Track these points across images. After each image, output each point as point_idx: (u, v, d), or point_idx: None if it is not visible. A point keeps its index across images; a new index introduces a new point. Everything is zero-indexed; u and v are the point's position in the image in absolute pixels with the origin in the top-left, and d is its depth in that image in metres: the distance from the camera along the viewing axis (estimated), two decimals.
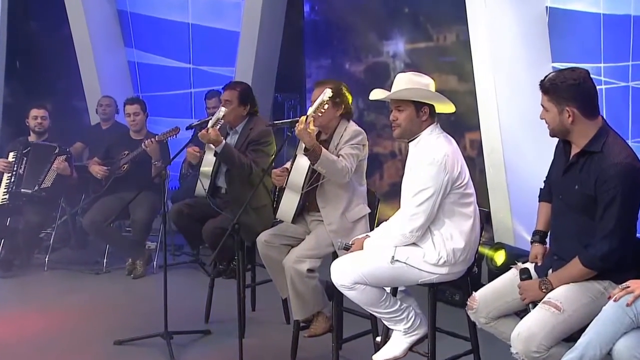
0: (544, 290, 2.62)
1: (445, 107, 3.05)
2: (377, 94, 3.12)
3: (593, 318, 2.43)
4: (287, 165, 3.74)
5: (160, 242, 5.57)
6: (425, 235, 2.98)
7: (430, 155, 2.92)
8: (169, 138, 5.09)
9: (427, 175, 2.90)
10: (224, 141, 4.09)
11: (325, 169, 3.35)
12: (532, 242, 2.94)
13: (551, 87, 2.63)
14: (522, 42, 4.52)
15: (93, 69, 7.13)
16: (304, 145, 3.35)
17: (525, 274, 2.74)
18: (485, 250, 4.25)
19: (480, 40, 4.55)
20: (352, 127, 3.58)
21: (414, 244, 3.00)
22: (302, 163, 3.52)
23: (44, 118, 5.70)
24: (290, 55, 6.91)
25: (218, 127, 4.04)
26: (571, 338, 2.53)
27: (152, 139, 5.13)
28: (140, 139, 5.40)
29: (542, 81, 2.68)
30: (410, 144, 3.07)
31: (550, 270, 2.75)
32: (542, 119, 2.72)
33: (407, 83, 3.02)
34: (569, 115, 2.62)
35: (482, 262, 4.29)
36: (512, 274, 2.86)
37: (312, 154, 3.30)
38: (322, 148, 3.34)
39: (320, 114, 3.32)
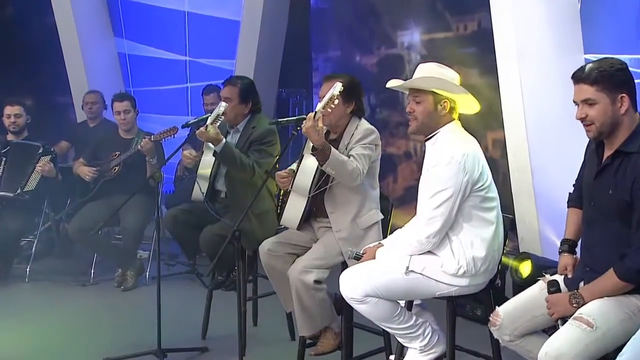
0: (574, 305, 2.60)
1: (468, 104, 3.06)
2: (394, 83, 3.15)
3: (630, 337, 2.41)
4: (293, 166, 3.75)
5: (153, 251, 5.58)
6: (443, 242, 2.99)
7: (448, 154, 2.93)
8: (166, 139, 5.10)
9: (445, 175, 2.91)
10: (224, 140, 4.11)
11: (335, 171, 3.36)
12: (560, 252, 2.93)
13: (601, 75, 2.57)
14: (551, 31, 4.51)
15: (79, 61, 7.16)
16: (311, 145, 3.37)
17: (553, 287, 2.72)
18: (510, 261, 4.24)
19: (504, 29, 4.55)
20: (364, 125, 3.59)
21: (430, 252, 3.01)
22: (309, 164, 3.54)
23: (18, 116, 5.71)
24: (296, 47, 6.93)
25: (218, 124, 4.05)
26: (605, 358, 2.51)
27: (149, 138, 5.13)
28: (131, 138, 5.42)
29: (583, 73, 2.61)
30: (427, 143, 3.08)
31: (582, 283, 2.73)
32: (580, 118, 2.64)
33: (430, 73, 3.04)
34: (621, 105, 2.58)
35: (506, 273, 4.29)
36: (539, 287, 2.84)
37: (321, 154, 3.32)
38: (332, 147, 3.35)
39: (329, 110, 3.33)
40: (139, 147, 5.15)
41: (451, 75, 3.05)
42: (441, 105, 3.02)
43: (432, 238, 2.95)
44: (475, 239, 2.97)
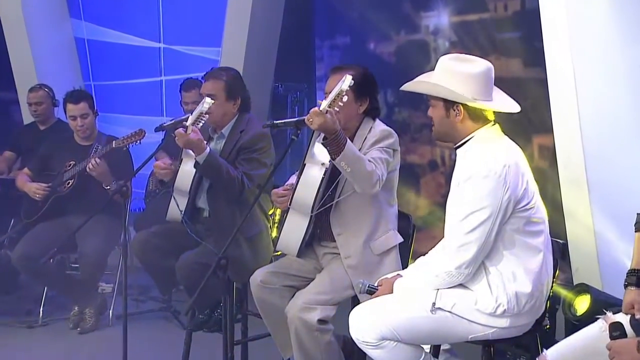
0: None
1: (502, 105, 3.08)
2: (409, 85, 3.19)
3: None
4: (293, 180, 3.78)
5: (118, 284, 5.60)
6: (478, 274, 3.01)
7: (485, 166, 2.95)
8: (131, 144, 5.11)
9: (481, 191, 2.93)
10: (207, 147, 4.14)
11: (351, 168, 3.35)
12: (626, 286, 2.94)
13: None
14: (614, 12, 4.49)
15: (27, 48, 7.18)
16: (315, 150, 3.39)
17: (617, 331, 2.73)
18: (563, 292, 4.25)
19: (554, 9, 4.56)
20: (379, 126, 3.64)
21: (462, 285, 3.04)
22: (312, 175, 3.57)
23: None
24: (296, 32, 6.96)
25: (200, 125, 4.08)
26: None
27: (96, 159, 5.11)
28: (90, 145, 5.44)
29: None
30: (459, 151, 3.12)
31: None
32: None
33: (440, 71, 3.08)
34: None
35: (557, 312, 4.28)
36: (599, 327, 2.86)
37: (335, 144, 3.31)
38: (347, 138, 3.36)
39: (337, 109, 3.33)
40: (88, 169, 5.12)
41: (465, 71, 3.03)
42: (454, 111, 3.05)
43: (465, 269, 2.98)
44: (518, 271, 2.99)
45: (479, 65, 3.06)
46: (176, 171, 4.38)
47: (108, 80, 7.37)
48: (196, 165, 4.15)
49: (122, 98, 7.22)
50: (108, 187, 5.16)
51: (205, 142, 4.14)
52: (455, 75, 3.04)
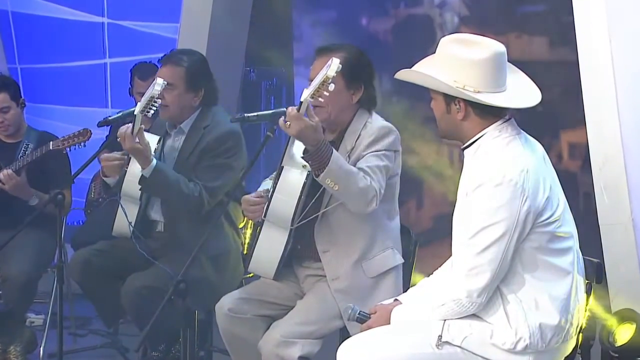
0: None
1: (515, 97, 3.09)
2: (403, 74, 3.21)
3: None
4: (267, 185, 3.80)
5: (51, 315, 5.59)
6: (494, 302, 3.03)
7: (497, 172, 2.96)
8: (74, 147, 5.10)
9: (493, 202, 2.95)
10: (154, 160, 4.12)
11: (339, 185, 3.36)
12: None
13: None
14: None
15: None
16: (295, 149, 3.40)
17: None
18: (603, 316, 4.28)
19: None
20: (377, 122, 3.66)
21: (474, 316, 3.06)
22: (292, 179, 3.59)
23: None
24: (269, 6, 6.96)
25: (151, 113, 4.07)
26: None
27: (7, 171, 5.09)
28: (17, 142, 5.42)
29: None
30: (466, 152, 3.14)
31: None
32: None
33: (440, 56, 3.10)
34: None
35: (592, 346, 4.30)
36: None
37: (316, 158, 3.33)
38: (333, 149, 3.37)
39: (321, 100, 3.35)
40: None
41: (467, 57, 3.03)
42: (455, 106, 3.08)
43: (477, 297, 2.99)
44: (542, 297, 3.01)
45: (487, 48, 3.05)
46: (124, 172, 4.34)
47: (38, 63, 7.34)
48: (141, 180, 4.14)
49: (56, 85, 7.18)
50: (34, 204, 5.15)
51: (152, 154, 4.13)
52: (456, 62, 3.05)
